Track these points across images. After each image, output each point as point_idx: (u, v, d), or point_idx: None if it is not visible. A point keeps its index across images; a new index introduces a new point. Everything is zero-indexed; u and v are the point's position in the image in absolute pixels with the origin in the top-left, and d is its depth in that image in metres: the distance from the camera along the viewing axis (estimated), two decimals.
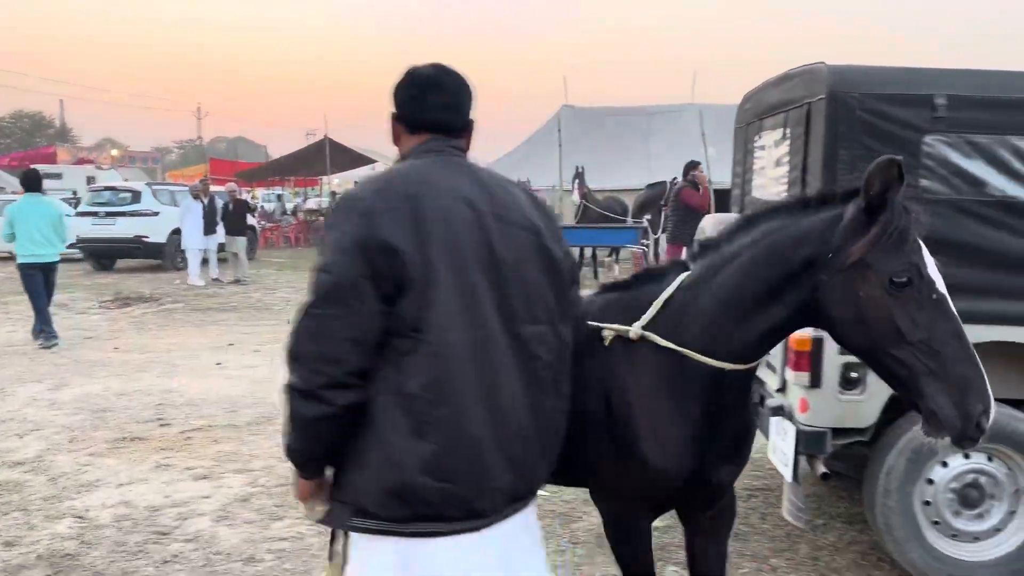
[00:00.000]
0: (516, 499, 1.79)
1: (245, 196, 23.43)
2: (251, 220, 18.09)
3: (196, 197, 15.73)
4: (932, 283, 1.93)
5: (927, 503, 3.45)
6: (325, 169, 25.49)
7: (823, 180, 3.22)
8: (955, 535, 3.46)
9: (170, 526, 4.11)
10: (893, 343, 1.93)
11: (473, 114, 1.95)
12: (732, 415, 2.23)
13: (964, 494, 3.45)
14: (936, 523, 3.46)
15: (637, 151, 20.84)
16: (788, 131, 3.65)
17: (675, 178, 14.44)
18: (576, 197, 15.86)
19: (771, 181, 3.94)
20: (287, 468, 4.87)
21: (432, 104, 1.87)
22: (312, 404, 1.66)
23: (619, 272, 15.70)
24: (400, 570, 1.69)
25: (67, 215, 10.08)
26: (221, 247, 15.92)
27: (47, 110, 69.14)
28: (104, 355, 8.52)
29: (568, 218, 17.35)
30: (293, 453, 1.76)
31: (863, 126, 3.17)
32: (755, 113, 4.27)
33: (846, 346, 2.12)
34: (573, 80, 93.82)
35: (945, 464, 3.45)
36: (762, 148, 4.16)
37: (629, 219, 15.35)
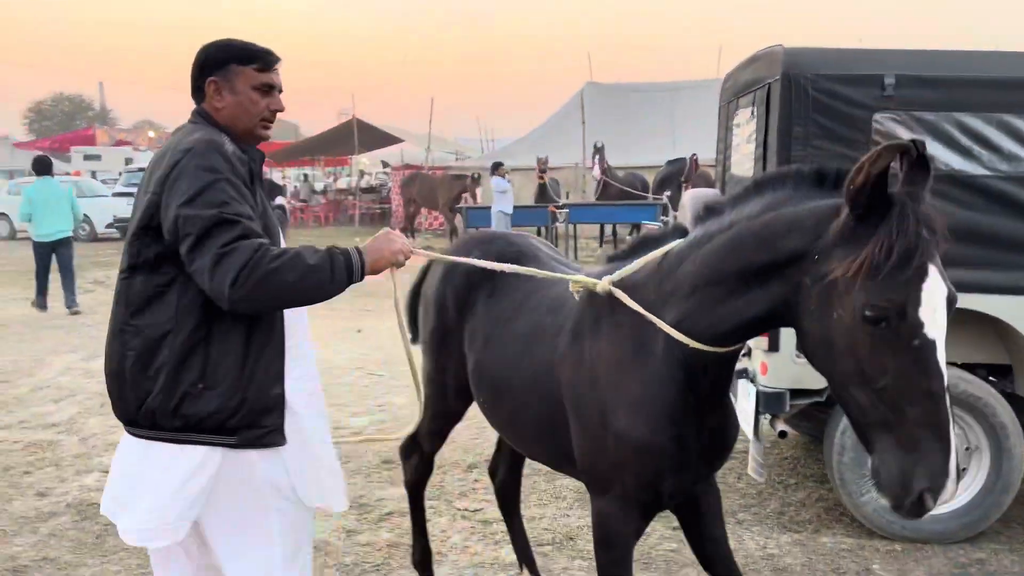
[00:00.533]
0: (126, 423, 2.04)
1: (277, 176, 24.00)
2: (280, 200, 18.54)
3: None
4: (916, 327, 1.62)
5: None
6: (354, 148, 25.85)
7: (778, 156, 3.43)
8: None
9: None
10: (855, 381, 1.70)
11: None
12: (710, 407, 2.13)
13: None
14: None
15: (662, 127, 20.84)
16: (755, 109, 3.85)
17: (694, 154, 14.54)
18: (596, 173, 15.99)
19: (744, 157, 4.14)
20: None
21: None
22: None
23: None
24: None
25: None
26: None
27: (87, 92, 70.53)
28: None
29: (590, 196, 17.52)
30: None
31: (815, 104, 3.37)
32: (733, 92, 4.46)
33: (811, 363, 1.88)
34: (598, 57, 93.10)
35: None
36: (738, 126, 4.35)
37: (650, 196, 15.47)
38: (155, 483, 1.96)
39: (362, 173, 27.62)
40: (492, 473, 3.40)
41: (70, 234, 9.89)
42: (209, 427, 1.93)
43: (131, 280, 1.97)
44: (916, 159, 1.63)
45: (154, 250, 1.93)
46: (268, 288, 1.83)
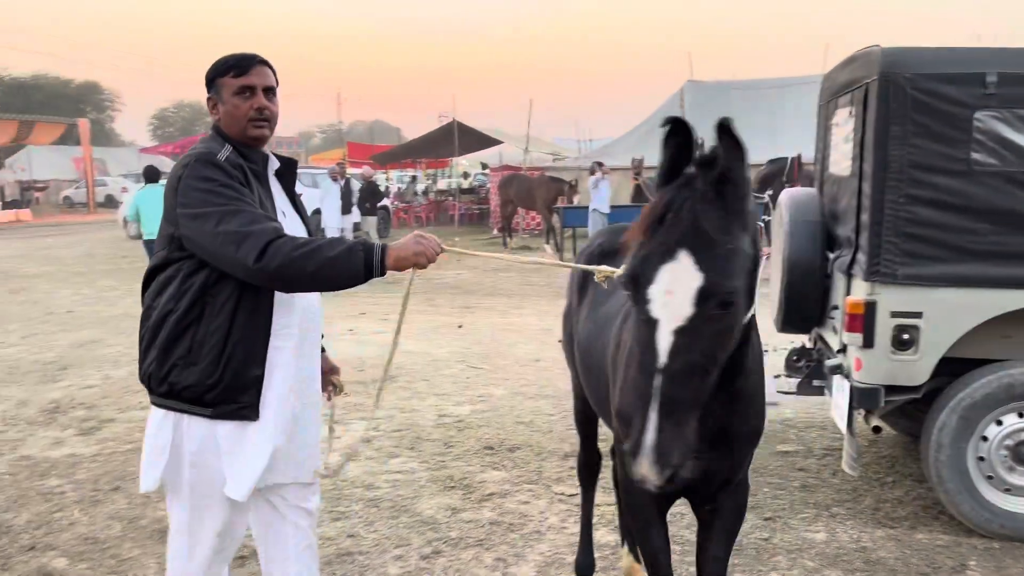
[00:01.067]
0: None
1: (380, 178, 24.86)
2: (385, 202, 19.24)
3: (334, 179, 16.94)
4: (643, 303, 1.72)
5: (981, 459, 3.66)
6: (454, 151, 26.44)
7: (875, 155, 3.48)
8: (1008, 489, 3.65)
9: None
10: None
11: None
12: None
13: (1018, 451, 3.63)
14: (990, 478, 3.66)
15: (764, 126, 20.43)
16: (853, 109, 3.89)
17: (798, 154, 14.25)
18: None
19: (842, 157, 4.18)
20: (405, 418, 5.58)
21: None
22: None
23: None
24: None
25: None
26: (356, 226, 17.12)
27: (203, 100, 74.17)
28: None
29: None
30: None
31: (914, 104, 3.40)
32: (831, 92, 4.49)
33: None
34: (698, 56, 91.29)
35: (999, 422, 3.64)
36: (836, 125, 4.39)
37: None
38: (146, 436, 2.36)
39: (465, 174, 28.17)
40: (612, 453, 3.41)
41: None
42: (188, 397, 2.23)
43: (155, 270, 2.32)
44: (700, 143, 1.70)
45: (172, 247, 2.25)
46: (287, 271, 2.08)
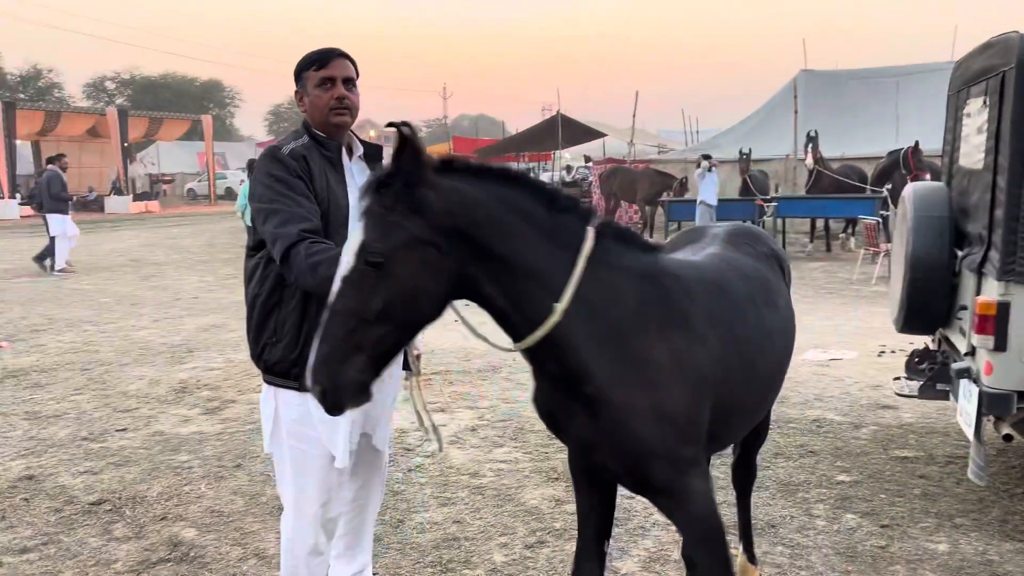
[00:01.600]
0: None
1: None
2: None
3: None
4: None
5: None
6: (557, 144, 26.50)
7: (1011, 147, 3.28)
8: None
9: (413, 444, 4.99)
10: None
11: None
12: (563, 394, 2.13)
13: None
14: None
15: (884, 115, 19.52)
16: (987, 99, 3.67)
17: (913, 143, 13.54)
18: (809, 162, 15.30)
19: (974, 149, 3.95)
20: (508, 409, 5.66)
21: None
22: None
23: (854, 247, 15.02)
24: None
25: None
26: None
27: None
28: None
29: (800, 190, 16.80)
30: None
31: None
32: (963, 80, 4.25)
33: None
34: (813, 44, 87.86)
35: None
36: (968, 116, 4.15)
37: (867, 188, 14.60)
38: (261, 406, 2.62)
39: (569, 167, 28.15)
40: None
41: None
42: (278, 372, 2.46)
43: (248, 257, 2.56)
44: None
45: (256, 236, 2.46)
46: (301, 279, 2.27)
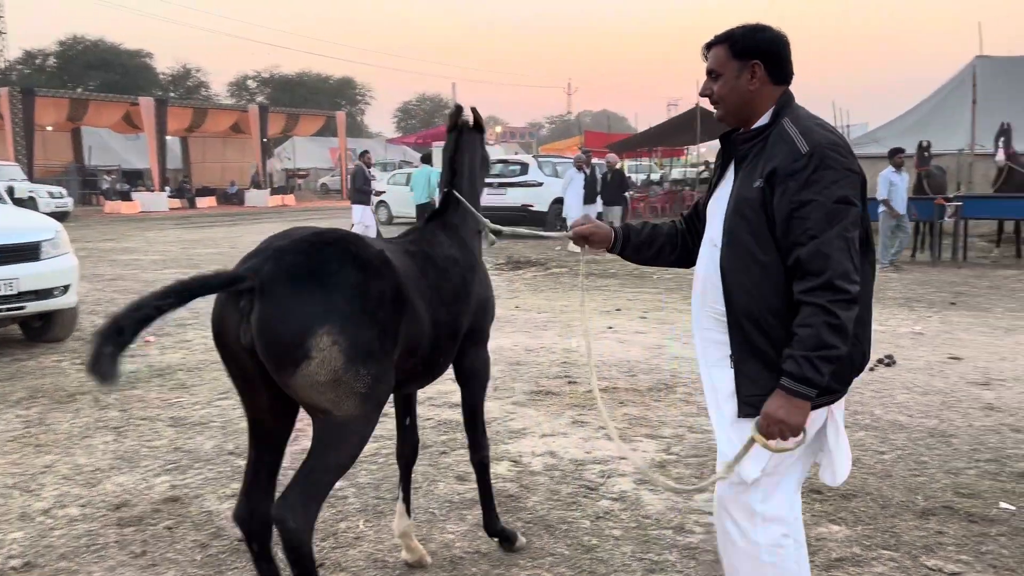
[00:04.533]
0: None
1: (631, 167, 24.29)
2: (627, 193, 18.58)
3: (579, 168, 16.50)
4: None
5: None
6: (694, 138, 25.21)
7: None
8: None
9: (595, 482, 4.25)
10: None
11: None
12: None
13: None
14: None
15: None
16: None
17: None
18: (1000, 158, 13.57)
19: None
20: (698, 438, 4.82)
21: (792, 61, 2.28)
22: (853, 307, 2.04)
23: None
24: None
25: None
26: (599, 216, 16.57)
27: (443, 92, 78.20)
28: (508, 312, 9.28)
29: (983, 187, 15.04)
30: (836, 359, 2.04)
31: None
32: None
33: None
34: (990, 27, 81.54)
35: None
36: None
37: None
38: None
39: (707, 163, 26.82)
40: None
41: (428, 200, 14.79)
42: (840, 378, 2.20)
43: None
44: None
45: None
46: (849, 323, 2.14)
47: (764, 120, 2.22)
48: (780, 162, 2.09)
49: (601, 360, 6.93)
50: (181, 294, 2.31)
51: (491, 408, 5.55)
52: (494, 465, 4.48)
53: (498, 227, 3.29)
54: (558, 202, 17.87)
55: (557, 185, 18.02)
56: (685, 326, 8.26)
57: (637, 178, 29.44)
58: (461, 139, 3.42)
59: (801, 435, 2.12)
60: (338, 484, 4.22)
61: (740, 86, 2.23)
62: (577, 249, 12.52)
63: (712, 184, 2.41)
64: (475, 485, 4.13)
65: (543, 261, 14.38)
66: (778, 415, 2.06)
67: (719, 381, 2.29)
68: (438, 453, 4.71)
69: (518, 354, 7.18)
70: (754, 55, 2.21)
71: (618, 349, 7.37)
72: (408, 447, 3.44)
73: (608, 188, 16.42)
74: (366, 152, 16.65)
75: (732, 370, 2.23)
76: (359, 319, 2.51)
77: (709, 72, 2.30)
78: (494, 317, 3.39)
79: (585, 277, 2.58)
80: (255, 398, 2.64)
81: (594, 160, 18.45)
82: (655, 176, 30.29)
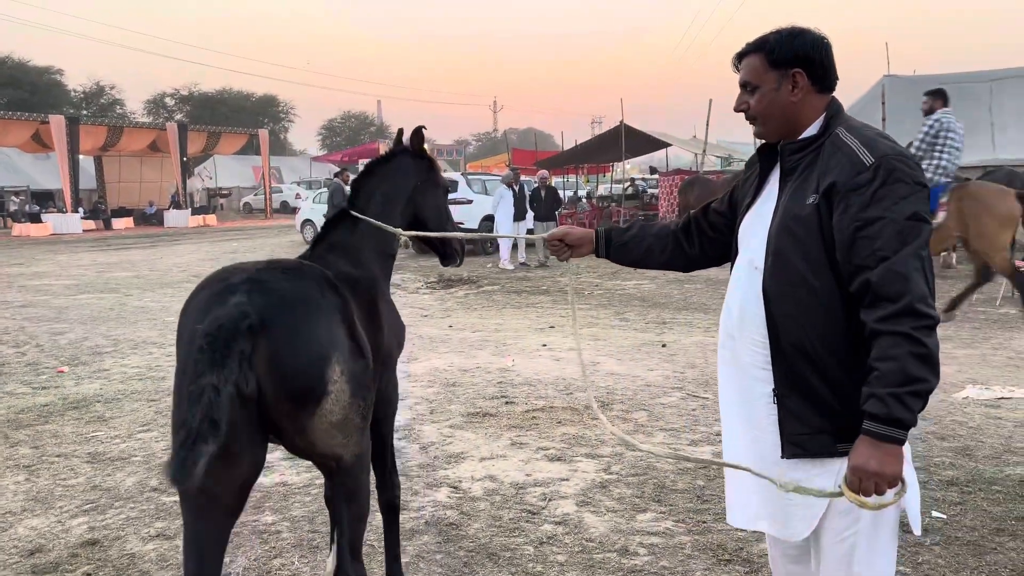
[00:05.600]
0: None
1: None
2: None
3: (509, 185, 16.55)
4: None
5: None
6: (620, 155, 25.60)
7: None
8: None
9: (537, 505, 4.18)
10: None
11: None
12: None
13: None
14: None
15: (978, 123, 18.23)
16: None
17: None
18: None
19: None
20: (636, 456, 4.82)
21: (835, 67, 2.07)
22: (935, 335, 1.82)
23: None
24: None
25: None
26: (530, 232, 16.62)
27: (368, 110, 77.68)
28: (441, 332, 9.18)
29: None
30: (926, 394, 1.80)
31: None
32: None
33: None
34: (896, 47, 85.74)
35: None
36: None
37: None
38: None
39: (632, 180, 27.28)
40: None
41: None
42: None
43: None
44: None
45: None
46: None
47: (813, 131, 2.02)
48: (840, 176, 1.88)
49: (537, 378, 6.89)
50: (225, 354, 2.01)
51: (428, 432, 5.45)
52: (433, 491, 4.39)
53: (412, 232, 3.12)
54: (488, 219, 17.87)
55: (487, 202, 18.02)
56: (618, 342, 8.32)
57: (564, 194, 29.70)
58: (387, 163, 3.20)
59: (900, 485, 1.85)
60: (269, 519, 4.07)
61: (781, 98, 2.01)
62: (510, 267, 12.51)
63: (745, 202, 2.19)
64: (413, 514, 4.05)
65: (475, 279, 14.31)
66: (869, 467, 1.79)
67: (759, 419, 2.06)
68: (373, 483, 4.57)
69: (453, 375, 7.08)
70: (794, 63, 1.99)
71: (554, 367, 7.35)
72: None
73: (542, 203, 16.51)
74: (344, 170, 16.51)
75: (775, 406, 2.01)
76: (352, 347, 2.34)
77: (744, 84, 2.07)
78: (404, 340, 3.17)
79: (574, 292, 2.42)
80: (236, 467, 2.20)
81: (522, 177, 18.53)
82: (582, 192, 30.59)
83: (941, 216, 8.81)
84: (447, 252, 3.35)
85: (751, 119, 2.07)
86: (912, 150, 8.66)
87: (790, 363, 1.97)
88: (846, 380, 1.91)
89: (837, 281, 1.90)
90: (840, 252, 1.87)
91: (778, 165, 2.09)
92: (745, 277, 2.09)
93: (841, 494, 1.87)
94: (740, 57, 2.08)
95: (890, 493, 1.84)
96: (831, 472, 1.97)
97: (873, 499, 1.83)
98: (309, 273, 2.42)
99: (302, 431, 2.21)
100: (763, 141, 2.15)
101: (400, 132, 3.30)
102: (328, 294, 2.36)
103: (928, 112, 8.94)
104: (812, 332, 1.93)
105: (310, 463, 4.87)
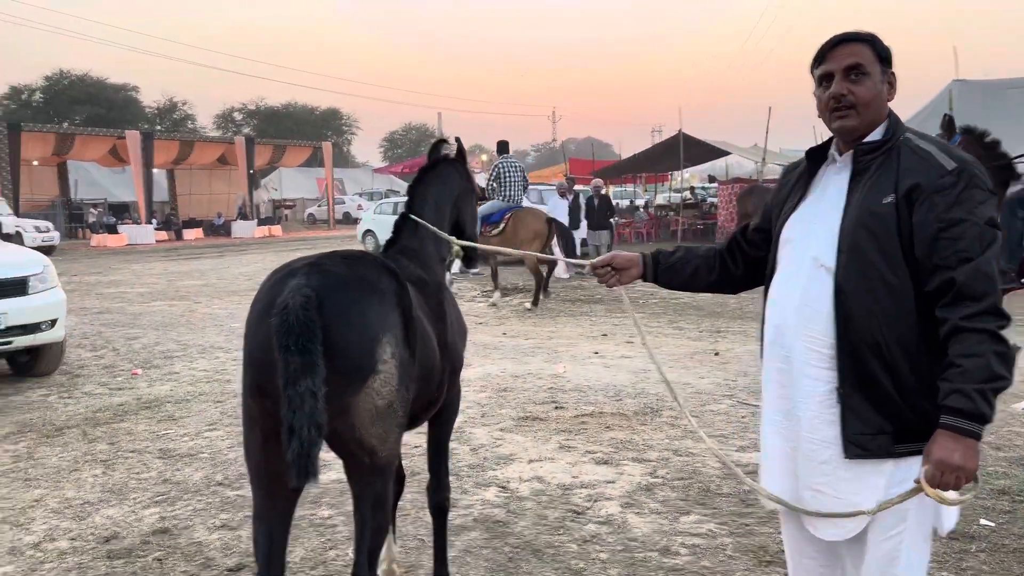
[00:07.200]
0: None
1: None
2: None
3: (562, 195, 16.68)
4: None
5: None
6: (678, 164, 25.50)
7: None
8: None
9: (582, 506, 4.29)
10: None
11: None
12: None
13: None
14: None
15: None
16: None
17: None
18: None
19: None
20: (683, 461, 4.88)
21: None
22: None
23: None
24: None
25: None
26: (584, 242, 16.70)
27: (429, 122, 78.74)
28: (495, 339, 9.34)
29: None
30: (1002, 391, 1.84)
31: None
32: None
33: None
34: (965, 52, 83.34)
35: None
36: None
37: None
38: None
39: (692, 188, 27.10)
40: None
41: None
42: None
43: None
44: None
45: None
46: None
47: (878, 135, 2.04)
48: (923, 178, 1.91)
49: (587, 385, 6.99)
50: (303, 352, 2.07)
51: (479, 434, 5.60)
52: (482, 491, 4.54)
53: (467, 243, 3.24)
54: None
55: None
56: (670, 350, 8.36)
57: (621, 203, 29.68)
58: (434, 169, 3.38)
59: (975, 482, 1.88)
60: (326, 513, 4.27)
61: (882, 94, 2.04)
62: (565, 276, 12.70)
63: (791, 203, 2.19)
64: (462, 511, 4.20)
65: (530, 287, 14.43)
66: (953, 460, 1.82)
67: (808, 419, 2.06)
68: (426, 480, 4.74)
69: (505, 380, 7.23)
70: (890, 64, 2.06)
71: (604, 374, 7.43)
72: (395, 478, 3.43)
73: (595, 213, 16.58)
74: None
75: (838, 406, 2.00)
76: (404, 334, 2.37)
77: (852, 68, 2.02)
78: (466, 343, 3.28)
79: (633, 311, 2.45)
80: None
81: (578, 187, 18.63)
82: (639, 201, 30.54)
83: None
84: (472, 256, 3.50)
85: (847, 106, 2.02)
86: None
87: (860, 361, 1.96)
88: (913, 379, 1.93)
89: (912, 279, 1.92)
90: (919, 250, 1.90)
91: (827, 166, 2.14)
92: (808, 275, 2.06)
93: (920, 490, 1.88)
94: (840, 43, 2.05)
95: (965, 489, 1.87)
96: (883, 473, 1.99)
97: (952, 494, 1.86)
98: (368, 259, 2.52)
99: (345, 411, 2.22)
100: (819, 143, 2.19)
101: (439, 141, 3.48)
102: (385, 278, 2.42)
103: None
104: (888, 329, 1.93)
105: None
